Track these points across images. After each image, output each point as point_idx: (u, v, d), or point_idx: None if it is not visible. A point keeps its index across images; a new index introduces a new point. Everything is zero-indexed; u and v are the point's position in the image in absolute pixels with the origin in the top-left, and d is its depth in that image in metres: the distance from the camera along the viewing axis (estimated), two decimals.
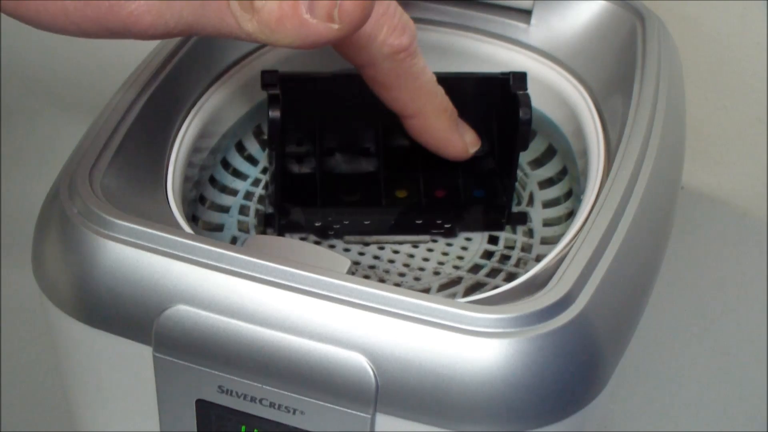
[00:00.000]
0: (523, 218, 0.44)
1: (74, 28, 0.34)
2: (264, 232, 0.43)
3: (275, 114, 0.40)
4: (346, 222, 0.43)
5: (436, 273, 0.42)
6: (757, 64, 0.63)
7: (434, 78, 0.41)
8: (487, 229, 0.43)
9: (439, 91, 0.41)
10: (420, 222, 0.43)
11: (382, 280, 0.42)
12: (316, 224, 0.43)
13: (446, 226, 0.43)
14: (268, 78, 0.41)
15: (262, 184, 0.45)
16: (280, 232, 0.43)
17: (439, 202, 0.44)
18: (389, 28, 0.38)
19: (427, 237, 0.43)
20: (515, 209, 0.44)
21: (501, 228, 0.43)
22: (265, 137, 0.45)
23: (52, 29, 0.34)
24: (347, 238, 0.43)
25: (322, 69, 0.45)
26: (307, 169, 0.44)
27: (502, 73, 0.42)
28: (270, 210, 0.43)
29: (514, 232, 0.44)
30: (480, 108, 0.43)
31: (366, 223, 0.43)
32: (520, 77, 0.42)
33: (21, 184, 0.64)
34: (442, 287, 0.41)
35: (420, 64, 0.40)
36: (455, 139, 0.42)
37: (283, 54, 0.47)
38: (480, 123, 0.44)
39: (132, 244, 0.35)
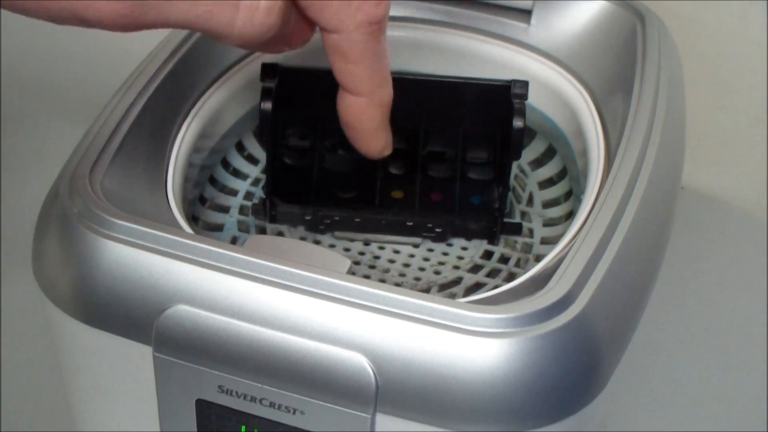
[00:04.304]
0: (517, 229, 0.43)
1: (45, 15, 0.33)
2: (263, 230, 0.43)
3: (266, 106, 0.40)
4: (337, 218, 0.43)
5: (437, 273, 0.42)
6: (757, 64, 0.63)
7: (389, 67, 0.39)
8: (479, 238, 0.43)
9: (391, 82, 0.39)
10: (411, 224, 0.43)
11: (382, 280, 0.41)
12: (307, 218, 0.43)
13: (437, 230, 0.43)
14: (268, 71, 0.41)
15: (262, 183, 0.45)
16: (271, 222, 0.43)
17: (433, 206, 0.44)
18: None
19: (417, 239, 0.43)
20: (512, 219, 0.44)
21: (493, 237, 0.43)
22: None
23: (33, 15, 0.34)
24: (337, 234, 0.43)
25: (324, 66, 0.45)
26: (305, 163, 0.44)
27: (506, 81, 0.42)
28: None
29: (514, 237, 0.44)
30: (483, 115, 0.43)
31: (357, 221, 0.43)
32: (522, 85, 0.41)
33: (21, 184, 0.64)
34: (443, 287, 0.41)
35: (385, 45, 0.38)
36: (381, 135, 0.40)
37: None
38: (482, 130, 0.44)
39: (132, 244, 0.35)
